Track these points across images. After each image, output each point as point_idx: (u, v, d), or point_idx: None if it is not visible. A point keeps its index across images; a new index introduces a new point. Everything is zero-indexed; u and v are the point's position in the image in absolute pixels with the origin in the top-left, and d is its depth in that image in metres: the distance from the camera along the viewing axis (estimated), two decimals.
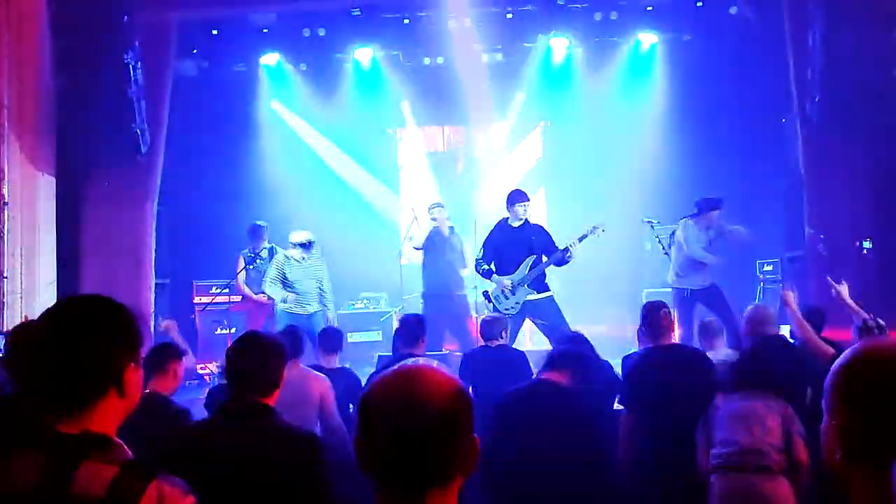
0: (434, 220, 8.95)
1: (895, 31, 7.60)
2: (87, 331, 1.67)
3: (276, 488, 2.69)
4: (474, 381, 5.39)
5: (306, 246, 8.23)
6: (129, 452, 1.64)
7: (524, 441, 4.33)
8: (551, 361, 4.66)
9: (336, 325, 8.07)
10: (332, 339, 5.91)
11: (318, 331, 7.28)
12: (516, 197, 7.74)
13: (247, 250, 9.19)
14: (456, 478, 1.44)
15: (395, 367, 1.50)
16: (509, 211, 7.73)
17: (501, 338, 6.06)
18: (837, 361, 1.50)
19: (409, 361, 1.53)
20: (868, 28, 7.64)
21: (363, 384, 5.65)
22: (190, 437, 2.92)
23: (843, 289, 5.61)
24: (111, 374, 1.68)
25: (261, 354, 2.97)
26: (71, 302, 1.77)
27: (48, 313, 1.72)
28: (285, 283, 8.30)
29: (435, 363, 1.53)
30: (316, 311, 8.34)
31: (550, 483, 4.18)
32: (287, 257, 8.32)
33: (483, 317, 7.91)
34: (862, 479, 1.43)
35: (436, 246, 8.93)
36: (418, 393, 1.43)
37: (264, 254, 9.08)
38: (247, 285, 9.14)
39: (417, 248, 9.14)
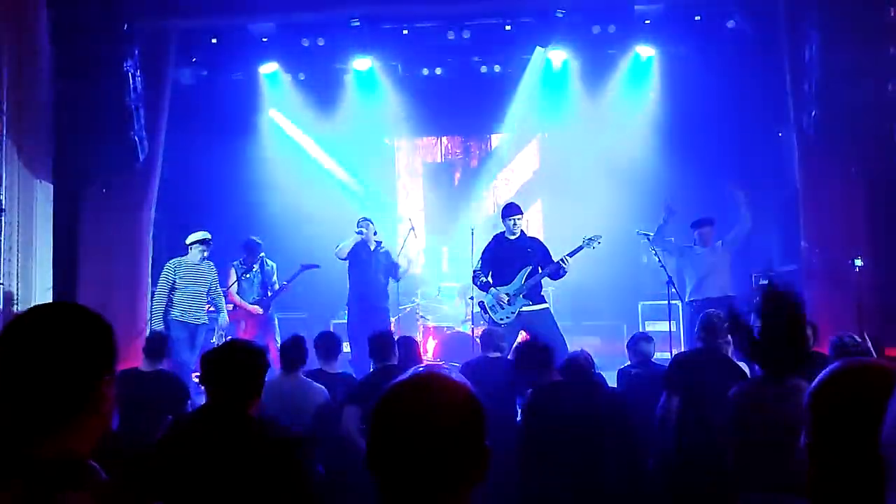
0: (361, 233, 8.92)
1: (891, 47, 7.65)
2: (56, 341, 1.53)
3: (254, 494, 2.69)
4: None
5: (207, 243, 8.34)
6: (103, 475, 1.54)
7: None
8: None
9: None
10: (332, 345, 5.91)
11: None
12: (510, 210, 7.78)
13: (238, 262, 9.25)
14: (466, 484, 1.45)
15: (408, 372, 1.52)
16: (504, 224, 7.77)
17: (499, 349, 6.07)
18: (813, 382, 1.53)
19: (422, 367, 1.54)
20: (864, 43, 7.68)
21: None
22: (166, 444, 2.91)
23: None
24: (86, 390, 1.55)
25: (238, 362, 2.98)
26: (40, 311, 1.63)
27: (15, 323, 1.57)
28: (174, 290, 8.26)
29: (446, 369, 1.54)
30: (204, 323, 8.33)
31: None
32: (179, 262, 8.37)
33: (480, 328, 7.92)
34: (836, 497, 1.44)
35: (362, 259, 8.95)
36: (431, 399, 1.45)
37: (256, 267, 9.15)
38: (238, 296, 9.16)
39: (342, 259, 9.08)
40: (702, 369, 5.09)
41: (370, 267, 8.90)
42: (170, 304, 8.20)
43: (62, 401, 1.52)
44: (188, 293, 8.24)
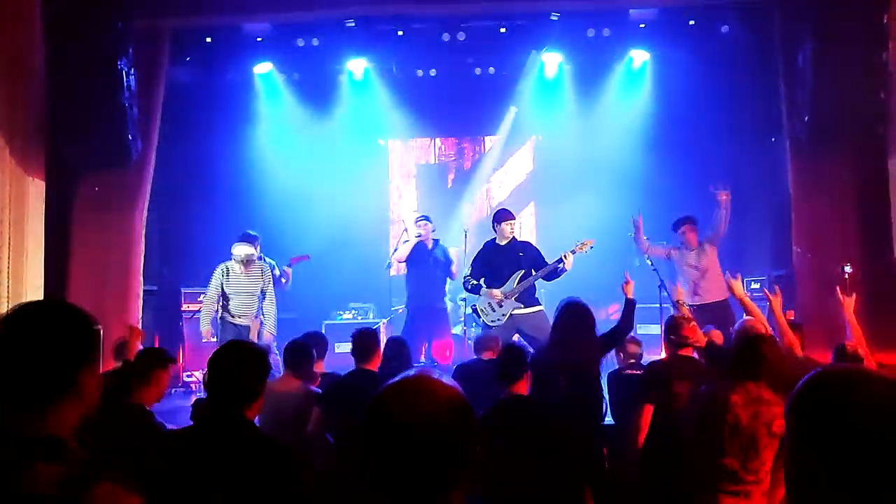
0: (419, 236, 9.02)
1: (884, 53, 7.68)
2: (43, 334, 1.73)
3: (251, 498, 2.67)
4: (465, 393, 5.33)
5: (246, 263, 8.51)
6: (83, 455, 1.70)
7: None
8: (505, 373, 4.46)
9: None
10: (318, 347, 5.90)
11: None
12: (502, 216, 7.67)
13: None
14: (458, 487, 1.46)
15: (400, 376, 1.52)
16: (495, 230, 7.68)
17: (492, 350, 6.06)
18: (796, 386, 1.52)
19: (413, 371, 1.55)
20: (857, 49, 7.71)
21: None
22: (165, 448, 2.89)
23: (849, 302, 5.46)
24: (68, 377, 1.74)
25: (241, 366, 2.94)
26: (27, 306, 1.83)
27: (7, 318, 1.78)
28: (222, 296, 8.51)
29: (437, 373, 1.54)
30: (249, 325, 8.52)
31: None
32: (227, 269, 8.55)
33: (473, 330, 7.90)
34: (815, 500, 1.45)
35: (420, 258, 8.97)
36: (420, 402, 1.45)
37: None
38: None
39: (401, 261, 9.15)
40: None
41: (428, 266, 8.94)
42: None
43: (45, 387, 1.71)
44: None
